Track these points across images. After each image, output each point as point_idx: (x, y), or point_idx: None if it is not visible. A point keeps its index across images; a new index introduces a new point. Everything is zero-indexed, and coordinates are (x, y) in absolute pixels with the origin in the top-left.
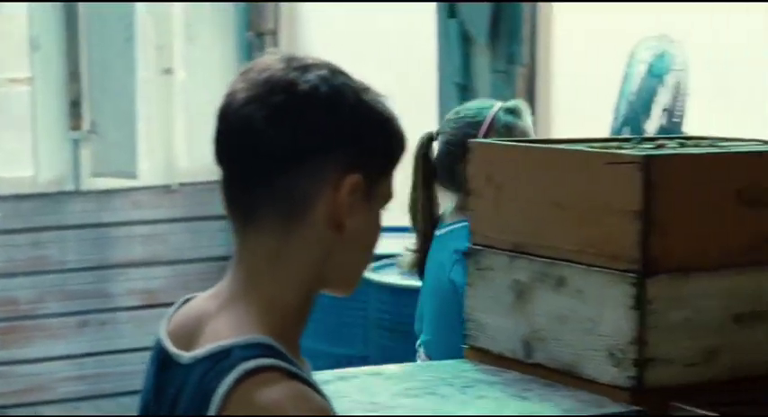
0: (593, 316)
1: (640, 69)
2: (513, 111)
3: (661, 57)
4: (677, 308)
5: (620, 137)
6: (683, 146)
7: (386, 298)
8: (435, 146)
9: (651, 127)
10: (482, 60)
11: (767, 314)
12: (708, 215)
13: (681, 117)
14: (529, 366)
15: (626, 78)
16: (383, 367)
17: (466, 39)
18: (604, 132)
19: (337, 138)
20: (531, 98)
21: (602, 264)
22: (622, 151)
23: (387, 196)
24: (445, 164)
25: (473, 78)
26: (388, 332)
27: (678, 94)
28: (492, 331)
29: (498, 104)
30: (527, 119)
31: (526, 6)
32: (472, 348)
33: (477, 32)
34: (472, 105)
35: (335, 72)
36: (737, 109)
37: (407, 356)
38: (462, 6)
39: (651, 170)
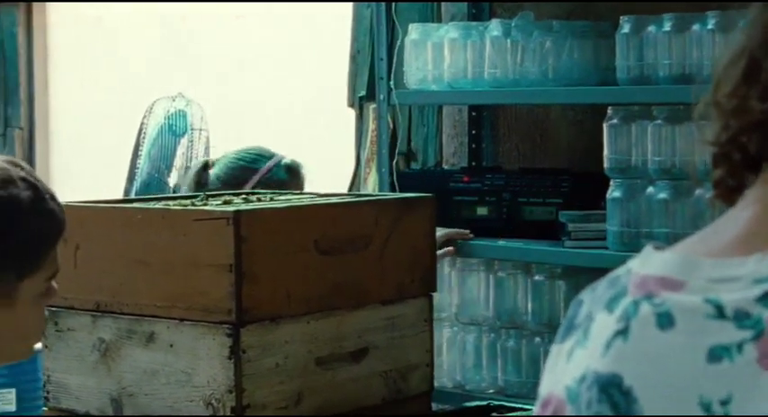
0: (186, 369)
1: (158, 128)
2: (289, 170)
3: (178, 115)
4: (268, 355)
5: (183, 194)
6: (247, 201)
7: None
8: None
9: (172, 184)
10: None
11: (346, 357)
12: (291, 264)
13: None
14: None
15: (145, 137)
16: None
17: None
18: (113, 191)
19: None
20: (30, 161)
21: (195, 318)
22: (210, 207)
23: None
24: None
25: None
26: None
27: (198, 152)
28: (76, 391)
29: (278, 158)
30: (301, 180)
31: (22, 69)
32: (53, 410)
33: None
34: (253, 151)
35: None
36: None
37: None
38: None
39: (241, 224)
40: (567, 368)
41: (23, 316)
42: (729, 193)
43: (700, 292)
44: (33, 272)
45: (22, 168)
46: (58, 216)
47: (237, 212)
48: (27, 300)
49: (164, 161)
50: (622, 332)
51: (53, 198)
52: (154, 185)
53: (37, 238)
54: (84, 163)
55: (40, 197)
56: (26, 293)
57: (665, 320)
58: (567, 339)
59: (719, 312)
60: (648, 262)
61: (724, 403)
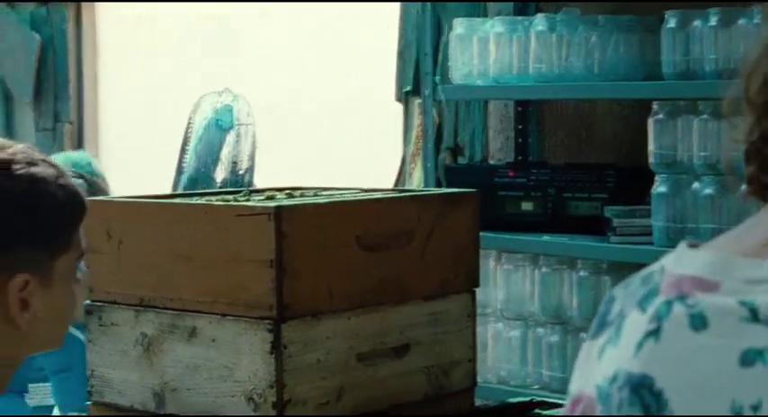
0: (228, 364)
1: (205, 123)
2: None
3: (225, 110)
4: (310, 351)
5: (227, 190)
6: (291, 196)
7: None
8: None
9: (219, 179)
10: (26, 118)
11: (388, 352)
12: (333, 260)
13: (250, 169)
14: None
15: (192, 132)
16: None
17: (8, 98)
18: (161, 186)
19: None
20: None
21: (237, 313)
22: (251, 203)
23: None
24: None
25: (16, 137)
26: None
27: (245, 147)
28: (119, 385)
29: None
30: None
31: (71, 65)
32: (97, 404)
33: (21, 91)
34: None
35: None
36: (298, 158)
37: None
38: (5, 64)
39: (282, 219)
40: (598, 366)
41: (59, 297)
42: (763, 189)
43: (734, 294)
44: (64, 251)
45: (39, 153)
46: (80, 193)
47: (279, 208)
48: (61, 281)
49: (210, 156)
50: (654, 333)
51: (72, 177)
52: (201, 180)
53: (65, 213)
54: (132, 157)
55: (62, 174)
56: (60, 273)
57: (699, 321)
58: (598, 336)
59: (754, 315)
60: (682, 261)
61: (755, 407)
